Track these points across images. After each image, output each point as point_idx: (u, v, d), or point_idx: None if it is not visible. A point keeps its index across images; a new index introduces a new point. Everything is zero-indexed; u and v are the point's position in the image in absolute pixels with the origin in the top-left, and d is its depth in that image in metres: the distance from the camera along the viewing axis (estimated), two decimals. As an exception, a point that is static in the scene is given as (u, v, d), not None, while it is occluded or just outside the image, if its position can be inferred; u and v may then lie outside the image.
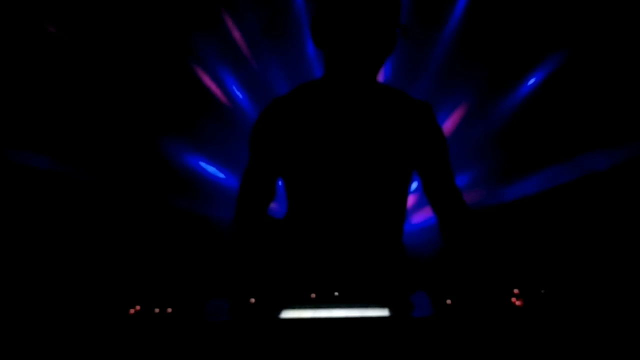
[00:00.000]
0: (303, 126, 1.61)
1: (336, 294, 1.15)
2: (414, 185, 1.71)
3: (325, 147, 1.59)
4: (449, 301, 1.12)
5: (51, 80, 2.86)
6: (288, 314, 1.08)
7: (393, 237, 1.71)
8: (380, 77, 3.03)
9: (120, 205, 2.95)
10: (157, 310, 1.12)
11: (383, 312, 1.07)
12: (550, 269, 2.61)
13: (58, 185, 2.86)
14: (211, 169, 3.23)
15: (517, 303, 1.10)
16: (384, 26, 1.46)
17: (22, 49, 2.84)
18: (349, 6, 1.45)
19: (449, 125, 3.13)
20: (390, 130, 1.59)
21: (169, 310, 1.12)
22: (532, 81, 3.07)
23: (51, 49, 2.90)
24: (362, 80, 1.53)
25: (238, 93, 3.21)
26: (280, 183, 1.70)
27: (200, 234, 2.95)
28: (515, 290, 1.15)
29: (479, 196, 3.03)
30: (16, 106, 2.82)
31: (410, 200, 1.91)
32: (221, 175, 3.20)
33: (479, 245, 1.56)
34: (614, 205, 2.80)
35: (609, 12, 2.88)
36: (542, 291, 1.15)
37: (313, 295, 1.15)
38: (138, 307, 1.13)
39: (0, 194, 2.74)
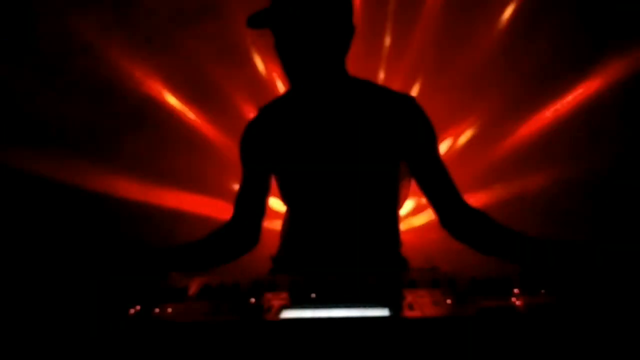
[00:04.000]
0: (287, 136, 1.62)
1: (335, 294, 1.15)
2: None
3: (312, 152, 1.60)
4: (449, 301, 1.12)
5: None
6: (288, 314, 1.09)
7: (390, 234, 1.71)
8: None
9: (119, 203, 2.94)
10: (157, 310, 1.12)
11: (383, 312, 1.07)
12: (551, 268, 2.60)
13: (57, 185, 2.86)
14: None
15: (517, 303, 1.10)
16: (322, 25, 1.45)
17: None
18: (283, 12, 1.44)
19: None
20: (372, 125, 1.59)
21: (169, 310, 1.12)
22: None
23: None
24: (324, 81, 1.52)
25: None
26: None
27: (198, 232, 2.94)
28: (516, 290, 1.15)
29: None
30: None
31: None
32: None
33: (486, 241, 1.54)
34: (614, 204, 2.80)
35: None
36: (542, 291, 1.15)
37: (313, 295, 1.15)
38: (138, 307, 1.13)
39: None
